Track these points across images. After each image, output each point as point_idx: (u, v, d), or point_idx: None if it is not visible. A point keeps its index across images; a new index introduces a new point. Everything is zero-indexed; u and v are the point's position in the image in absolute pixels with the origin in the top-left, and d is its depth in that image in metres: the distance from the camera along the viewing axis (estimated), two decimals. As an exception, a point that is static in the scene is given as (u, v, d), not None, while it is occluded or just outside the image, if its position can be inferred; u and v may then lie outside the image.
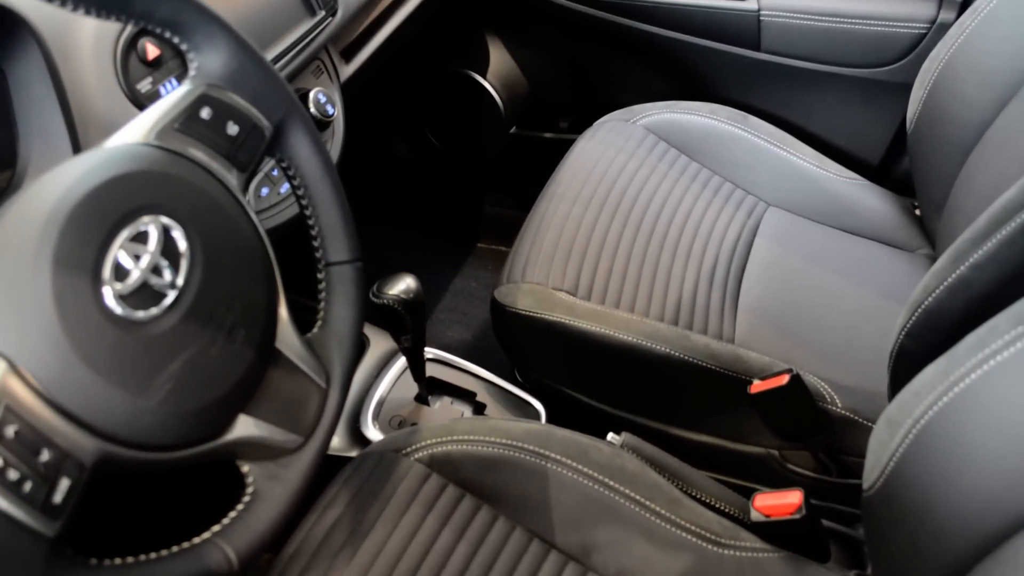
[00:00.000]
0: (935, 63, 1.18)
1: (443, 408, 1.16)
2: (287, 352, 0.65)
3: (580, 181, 1.27)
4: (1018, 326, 0.60)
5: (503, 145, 1.77)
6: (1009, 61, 1.07)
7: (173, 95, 0.62)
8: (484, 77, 1.67)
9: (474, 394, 1.16)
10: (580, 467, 0.90)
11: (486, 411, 1.15)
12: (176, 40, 0.63)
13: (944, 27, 1.30)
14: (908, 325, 0.89)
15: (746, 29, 1.43)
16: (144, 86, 0.80)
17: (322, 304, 0.72)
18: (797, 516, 0.84)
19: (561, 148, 1.43)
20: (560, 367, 1.17)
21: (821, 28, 1.39)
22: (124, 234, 0.54)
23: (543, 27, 1.64)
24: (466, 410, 1.16)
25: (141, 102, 0.79)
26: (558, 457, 0.91)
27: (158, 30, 0.62)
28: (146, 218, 0.55)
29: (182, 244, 0.57)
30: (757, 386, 1.00)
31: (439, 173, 1.93)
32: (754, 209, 1.30)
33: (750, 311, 1.14)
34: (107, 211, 0.54)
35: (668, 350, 1.05)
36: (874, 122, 1.48)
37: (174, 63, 0.84)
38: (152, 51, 0.81)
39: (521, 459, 0.91)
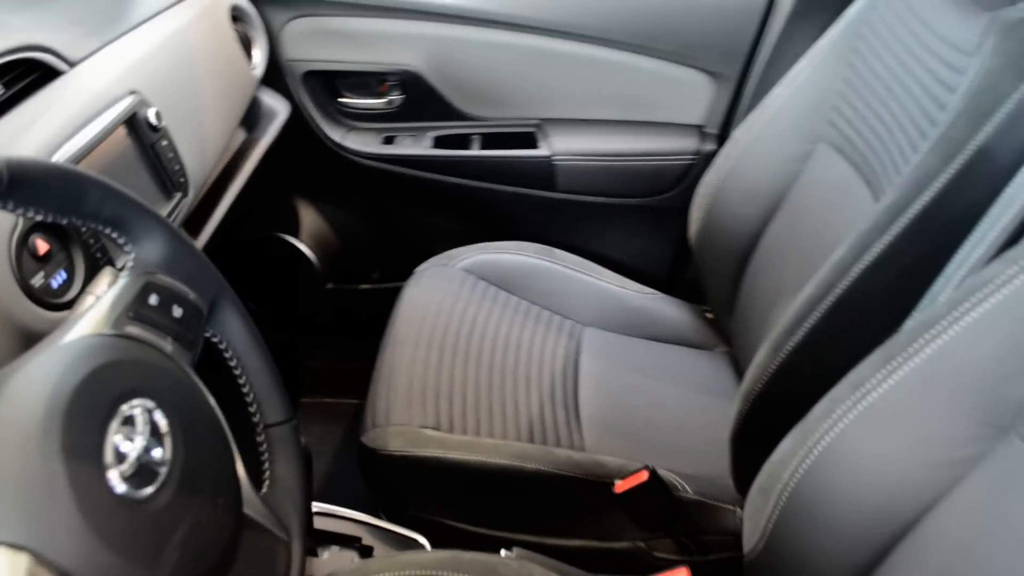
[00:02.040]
0: (709, 188, 1.38)
1: (333, 557, 1.18)
2: (251, 512, 0.69)
3: (417, 326, 1.36)
4: (855, 392, 0.75)
5: (320, 301, 1.83)
6: (769, 182, 1.28)
7: (118, 286, 0.67)
8: (297, 238, 1.74)
9: (359, 538, 1.19)
10: None
11: (374, 552, 1.18)
12: (116, 235, 0.68)
13: (708, 156, 1.53)
14: (745, 411, 1.04)
15: (542, 173, 1.61)
16: (37, 280, 0.82)
17: (266, 464, 0.76)
18: (692, 591, 0.94)
19: (376, 297, 1.51)
20: (437, 500, 1.23)
21: (604, 167, 1.59)
22: (116, 419, 0.58)
23: (348, 186, 1.74)
24: (354, 555, 1.18)
25: (37, 296, 0.82)
26: None
27: (100, 227, 0.67)
28: (134, 402, 0.59)
29: (163, 423, 0.61)
30: (620, 486, 1.11)
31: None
32: (573, 331, 1.44)
33: (592, 421, 1.27)
34: (98, 400, 0.57)
35: (537, 466, 1.14)
36: (659, 242, 1.68)
37: (61, 256, 0.86)
38: (42, 246, 0.83)
39: None
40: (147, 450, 0.59)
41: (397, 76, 1.60)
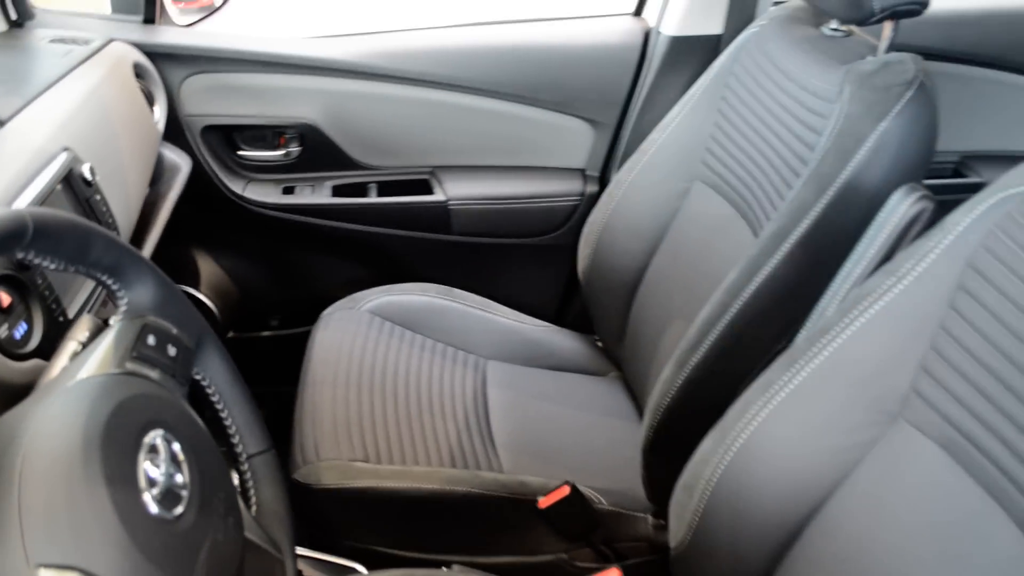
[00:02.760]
0: (594, 226, 1.50)
1: (275, 590, 1.21)
2: (249, 534, 0.75)
3: (332, 367, 1.42)
4: (765, 393, 0.87)
5: None
6: (651, 219, 1.41)
7: (115, 330, 0.72)
8: (197, 289, 1.76)
9: (299, 572, 1.23)
10: None
11: (314, 583, 1.23)
12: (111, 281, 0.73)
13: (592, 197, 1.66)
14: (655, 423, 1.15)
15: (438, 217, 1.70)
16: (2, 332, 0.85)
17: (252, 491, 0.82)
18: (625, 590, 1.04)
19: (277, 344, 1.54)
20: (371, 529, 1.28)
21: (496, 210, 1.70)
22: (143, 448, 0.63)
23: (249, 236, 1.78)
24: (296, 586, 1.22)
25: (3, 347, 0.84)
26: None
27: (100, 274, 0.72)
28: (152, 433, 0.65)
29: (178, 450, 0.67)
30: (544, 501, 1.20)
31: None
32: (477, 364, 1.53)
33: (506, 447, 1.36)
34: (126, 431, 0.62)
35: (467, 489, 1.22)
36: (549, 278, 1.80)
37: (20, 308, 0.89)
38: (5, 299, 0.86)
39: None
40: (170, 476, 0.64)
41: (294, 129, 1.67)
